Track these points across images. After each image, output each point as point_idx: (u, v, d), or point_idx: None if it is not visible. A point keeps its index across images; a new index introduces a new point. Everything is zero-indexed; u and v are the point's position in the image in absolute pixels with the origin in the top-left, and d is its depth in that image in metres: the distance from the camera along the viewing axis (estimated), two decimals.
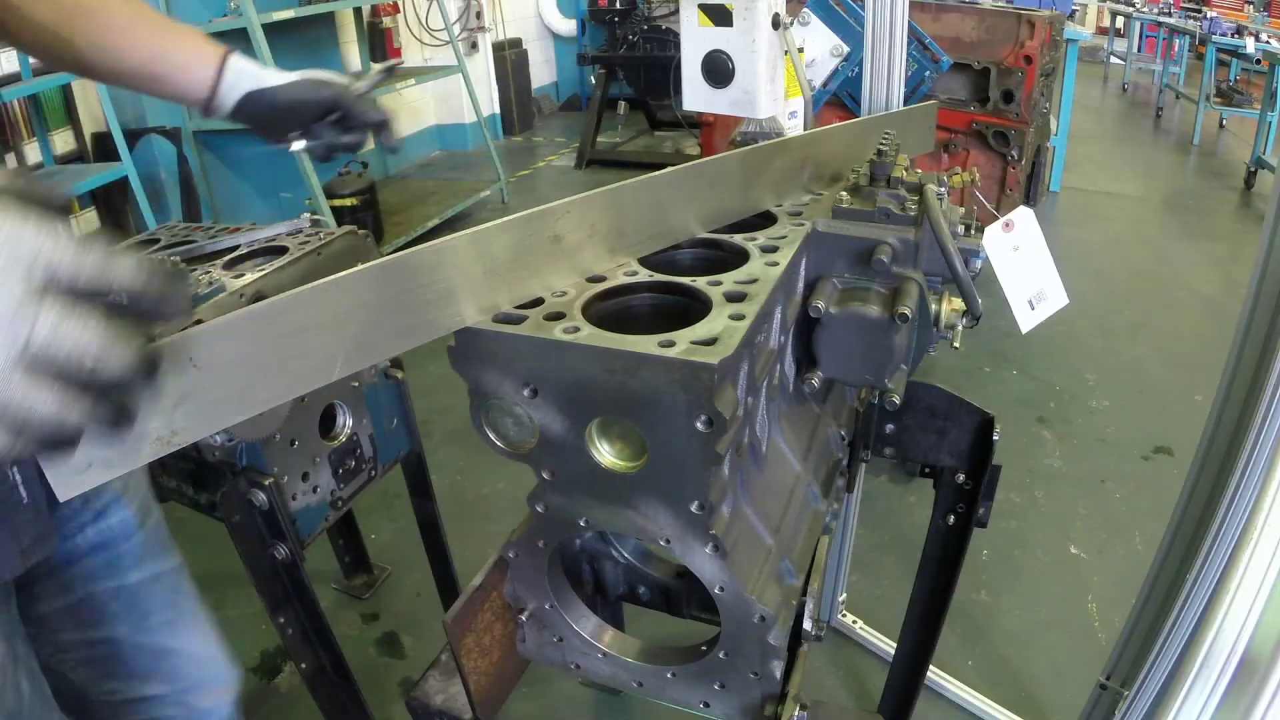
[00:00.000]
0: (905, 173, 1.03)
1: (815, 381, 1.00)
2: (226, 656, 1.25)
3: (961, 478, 1.28)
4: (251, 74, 1.07)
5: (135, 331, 0.41)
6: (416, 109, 7.03)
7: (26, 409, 0.39)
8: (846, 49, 2.80)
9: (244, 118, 1.09)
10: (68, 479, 0.54)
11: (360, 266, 0.70)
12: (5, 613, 0.92)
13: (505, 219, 0.78)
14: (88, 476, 0.55)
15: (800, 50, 1.98)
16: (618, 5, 7.91)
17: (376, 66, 1.25)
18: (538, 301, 0.82)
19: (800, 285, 1.01)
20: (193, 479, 1.61)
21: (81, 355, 0.39)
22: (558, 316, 0.78)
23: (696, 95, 1.94)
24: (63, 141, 4.06)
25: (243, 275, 1.48)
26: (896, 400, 0.97)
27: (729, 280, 0.85)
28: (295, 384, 0.68)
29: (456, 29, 6.50)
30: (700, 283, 0.85)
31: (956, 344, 1.05)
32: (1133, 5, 9.53)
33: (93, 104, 4.03)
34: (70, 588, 1.04)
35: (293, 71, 1.11)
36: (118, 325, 0.40)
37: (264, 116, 1.09)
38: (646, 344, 0.72)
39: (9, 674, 0.90)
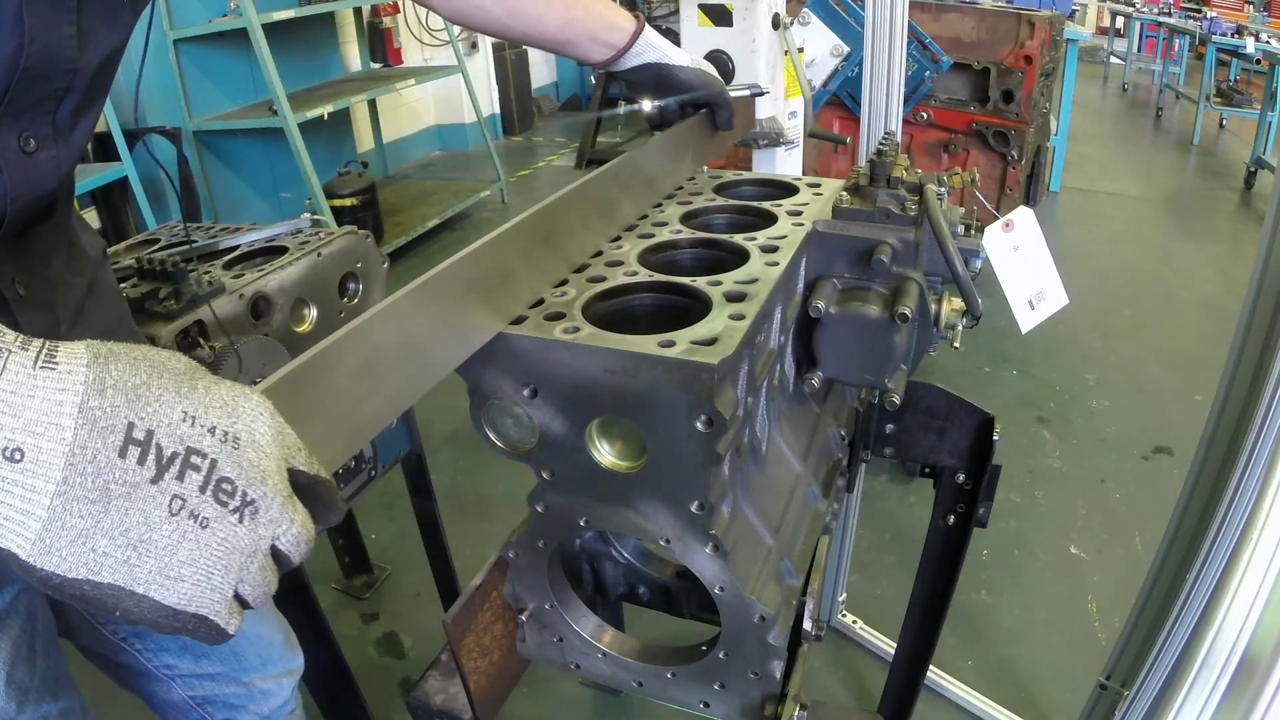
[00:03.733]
0: (905, 173, 1.03)
1: (815, 381, 1.00)
2: (289, 640, 1.29)
3: (961, 478, 1.28)
4: (657, 47, 1.21)
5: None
6: (416, 109, 7.03)
7: (265, 586, 0.45)
8: (846, 49, 2.80)
9: (629, 77, 1.22)
10: None
11: (403, 290, 0.64)
12: (28, 587, 0.92)
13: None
14: None
15: (800, 50, 1.98)
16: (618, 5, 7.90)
17: (742, 84, 1.38)
18: (539, 301, 0.82)
19: (800, 285, 1.01)
20: None
21: (305, 546, 0.46)
22: (558, 316, 0.78)
23: None
24: None
25: (243, 275, 1.48)
26: (896, 400, 0.97)
27: (729, 280, 0.85)
28: (371, 423, 0.61)
29: (456, 29, 6.50)
30: (700, 283, 0.85)
31: (956, 344, 1.05)
32: (1133, 5, 9.53)
33: None
34: None
35: (683, 54, 1.24)
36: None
37: (649, 84, 1.21)
38: (646, 344, 0.72)
39: (21, 649, 0.91)
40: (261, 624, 1.23)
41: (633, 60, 1.20)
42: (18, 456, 0.36)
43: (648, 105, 1.23)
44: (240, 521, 0.41)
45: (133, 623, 0.42)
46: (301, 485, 0.46)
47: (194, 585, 0.40)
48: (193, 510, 0.40)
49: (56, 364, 0.38)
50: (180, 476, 0.39)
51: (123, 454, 0.38)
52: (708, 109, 1.25)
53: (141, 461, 0.39)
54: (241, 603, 0.43)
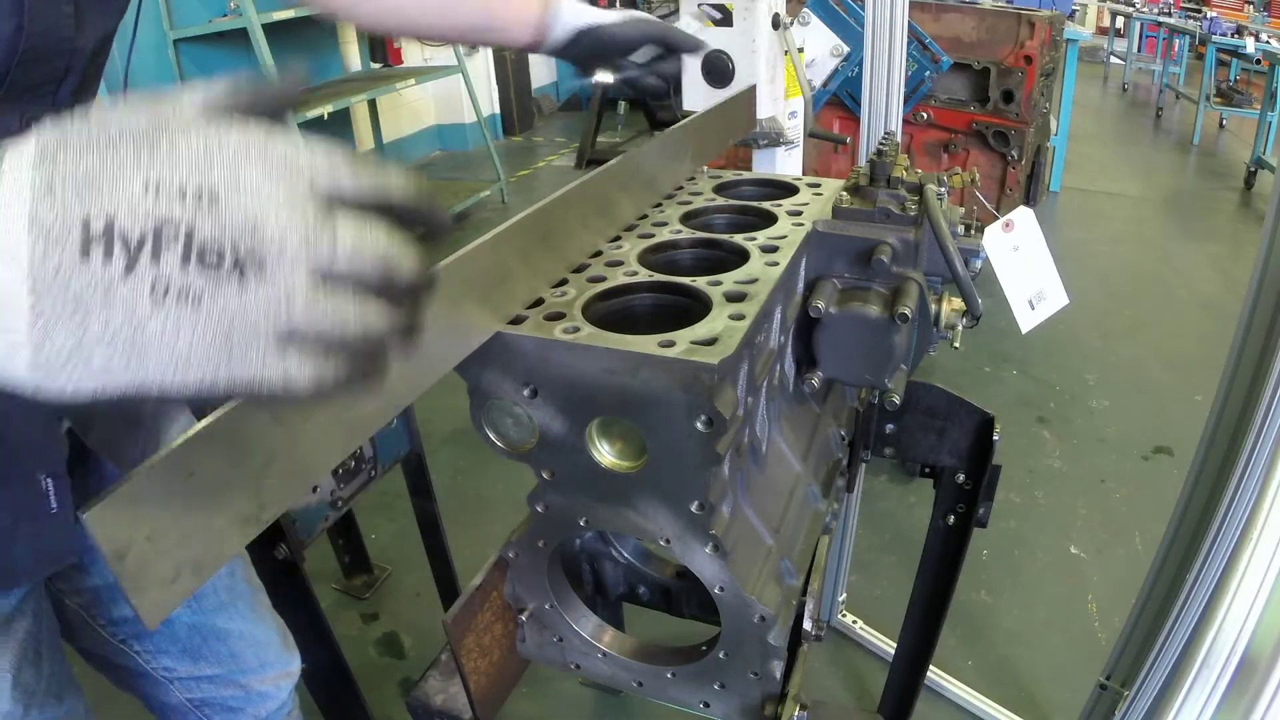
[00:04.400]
0: (905, 173, 1.03)
1: (815, 381, 1.00)
2: (285, 643, 1.28)
3: (961, 478, 1.28)
4: (579, 11, 1.15)
5: (413, 242, 0.41)
6: (416, 109, 7.03)
7: (338, 326, 0.38)
8: (846, 49, 2.80)
9: (570, 54, 1.16)
10: (158, 598, 0.46)
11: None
12: (34, 590, 0.93)
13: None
14: (177, 588, 0.47)
15: (800, 50, 1.98)
16: (617, 5, 7.91)
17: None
18: (538, 301, 0.82)
19: (800, 285, 1.01)
20: None
21: (379, 265, 0.39)
22: (558, 316, 0.78)
23: (696, 95, 1.94)
24: None
25: None
26: (896, 400, 0.97)
27: (729, 280, 0.85)
28: (369, 421, 0.61)
29: None
30: (700, 283, 0.85)
31: (956, 344, 1.05)
32: (1133, 5, 9.53)
33: None
34: None
35: (613, 13, 1.19)
36: (401, 235, 0.40)
37: (589, 52, 1.16)
38: (646, 344, 0.72)
39: (28, 651, 0.91)
40: (259, 626, 1.23)
41: (562, 33, 1.13)
42: None
43: (606, 77, 1.19)
44: (242, 281, 0.36)
45: (162, 398, 0.37)
46: (369, 204, 0.40)
47: (211, 366, 0.36)
48: (179, 290, 0.35)
49: (1, 176, 0.35)
50: (155, 257, 0.35)
51: (85, 254, 0.34)
52: (666, 52, 1.17)
53: (108, 256, 0.34)
54: (304, 341, 0.38)
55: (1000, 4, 4.04)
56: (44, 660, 0.94)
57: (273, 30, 4.22)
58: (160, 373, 0.36)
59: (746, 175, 1.24)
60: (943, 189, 1.03)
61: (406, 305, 0.40)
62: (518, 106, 8.00)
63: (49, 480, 0.85)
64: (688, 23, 1.23)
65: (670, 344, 0.72)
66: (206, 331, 0.36)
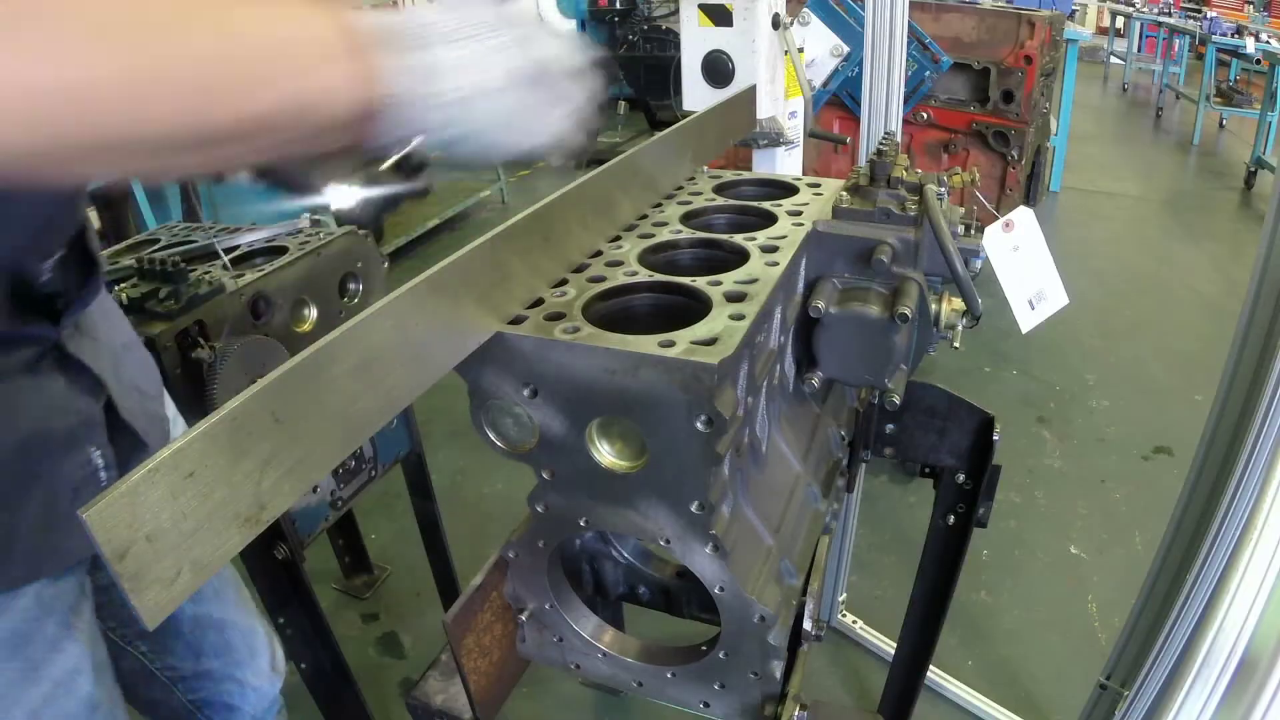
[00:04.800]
0: (905, 173, 1.03)
1: (815, 381, 1.00)
2: (269, 632, 1.32)
3: (961, 478, 1.28)
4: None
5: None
6: (597, 75, 7.00)
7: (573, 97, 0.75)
8: (846, 49, 2.80)
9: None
10: (158, 598, 0.47)
11: (404, 287, 0.63)
12: (88, 612, 0.95)
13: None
14: (177, 588, 0.48)
15: (800, 50, 1.98)
16: (618, 5, 7.91)
17: None
18: (538, 301, 0.82)
19: (800, 285, 1.01)
20: None
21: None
22: (558, 316, 0.78)
23: (696, 95, 1.94)
24: None
25: (242, 275, 1.48)
26: (896, 400, 0.97)
27: (729, 280, 0.85)
28: (369, 421, 0.61)
29: None
30: (700, 283, 0.85)
31: (956, 344, 1.05)
32: (1133, 5, 9.53)
33: None
34: None
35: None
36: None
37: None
38: (646, 344, 0.72)
39: (97, 637, 0.94)
40: (247, 614, 1.25)
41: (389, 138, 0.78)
42: (500, 91, 0.68)
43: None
44: (579, 88, 0.77)
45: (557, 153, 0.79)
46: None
47: (568, 127, 0.77)
48: (563, 95, 0.75)
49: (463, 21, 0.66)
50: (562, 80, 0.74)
51: (538, 79, 0.71)
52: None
53: (547, 84, 0.73)
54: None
55: (1000, 4, 4.04)
56: (114, 689, 0.98)
57: None
58: (549, 131, 0.74)
59: (746, 175, 1.24)
60: (943, 189, 1.03)
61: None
62: None
63: (97, 452, 0.89)
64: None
65: (670, 344, 0.72)
66: (570, 107, 0.74)
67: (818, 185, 1.17)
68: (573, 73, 0.74)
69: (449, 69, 0.63)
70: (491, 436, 0.83)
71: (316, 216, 1.72)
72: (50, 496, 0.85)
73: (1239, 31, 6.83)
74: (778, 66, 1.91)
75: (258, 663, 1.25)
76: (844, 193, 1.04)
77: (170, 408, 1.14)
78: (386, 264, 1.79)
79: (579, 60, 0.75)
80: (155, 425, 1.04)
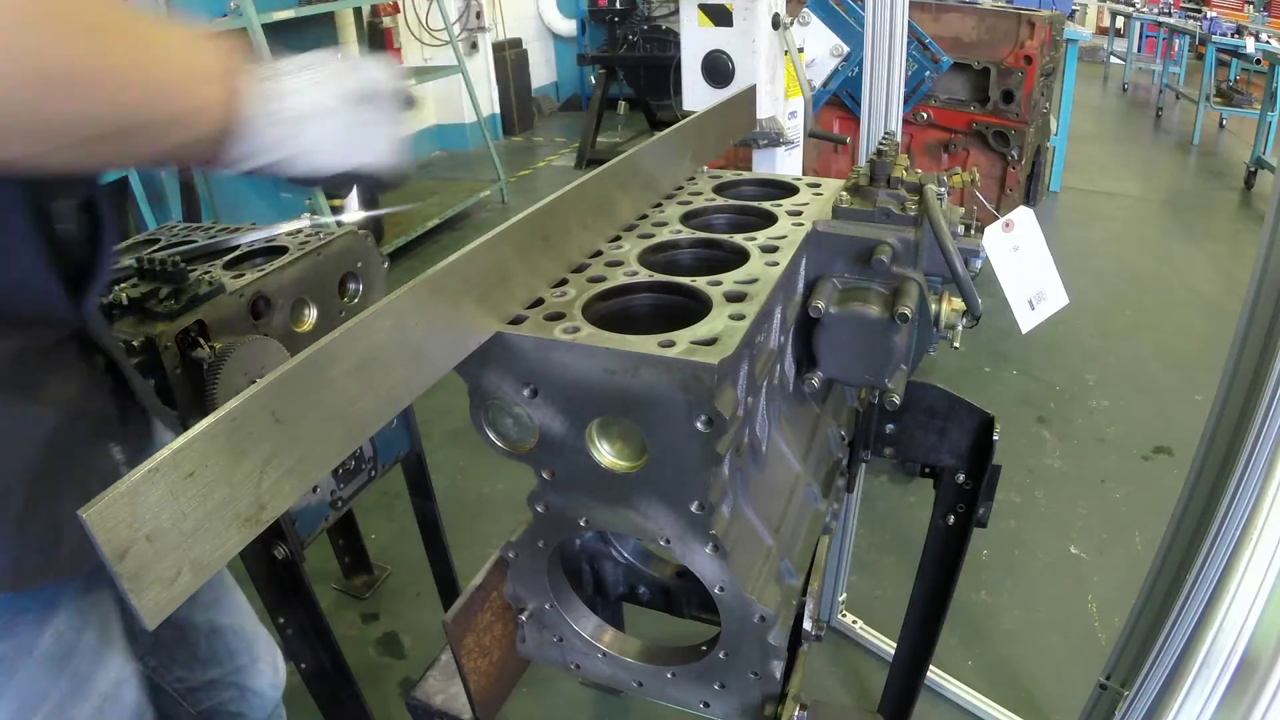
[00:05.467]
0: (905, 173, 1.03)
1: (815, 381, 1.00)
2: (268, 635, 1.31)
3: (961, 478, 1.28)
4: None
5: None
6: (416, 109, 7.02)
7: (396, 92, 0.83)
8: (846, 49, 2.80)
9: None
10: (158, 598, 0.47)
11: (406, 285, 0.64)
12: (121, 622, 0.95)
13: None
14: (177, 588, 0.48)
15: (800, 50, 1.98)
16: (618, 5, 7.91)
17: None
18: (538, 301, 0.82)
19: (800, 285, 1.01)
20: None
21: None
22: (558, 316, 0.78)
23: (696, 95, 1.94)
24: None
25: (243, 275, 1.48)
26: (896, 400, 0.97)
27: (729, 280, 0.85)
28: (369, 421, 0.61)
29: (456, 29, 6.50)
30: (700, 283, 0.85)
31: (956, 344, 1.05)
32: (1133, 5, 9.53)
33: None
34: None
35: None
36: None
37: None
38: (646, 344, 0.72)
39: (145, 691, 0.96)
40: (247, 619, 1.25)
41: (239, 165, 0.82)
42: (325, 115, 0.77)
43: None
44: (406, 112, 0.85)
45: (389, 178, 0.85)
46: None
47: (398, 150, 0.85)
48: (394, 118, 0.82)
49: (323, 74, 0.77)
50: (388, 103, 0.82)
51: (362, 104, 0.79)
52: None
53: (368, 106, 0.80)
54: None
55: (1000, 4, 4.04)
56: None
57: (273, 30, 4.22)
58: (378, 154, 0.81)
59: (746, 175, 1.24)
60: (943, 189, 1.03)
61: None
62: (518, 106, 8.01)
63: (117, 448, 0.89)
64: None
65: (670, 344, 0.72)
66: (398, 133, 0.81)
67: (818, 185, 1.17)
68: (398, 98, 0.83)
69: (289, 91, 0.74)
70: (491, 436, 0.83)
71: (317, 216, 1.72)
72: (84, 491, 0.84)
73: (1239, 31, 6.82)
74: (778, 66, 1.91)
75: (259, 668, 1.25)
76: (844, 193, 1.04)
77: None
78: (386, 264, 1.79)
79: (401, 88, 0.83)
80: (166, 413, 1.05)
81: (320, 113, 0.75)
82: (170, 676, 1.15)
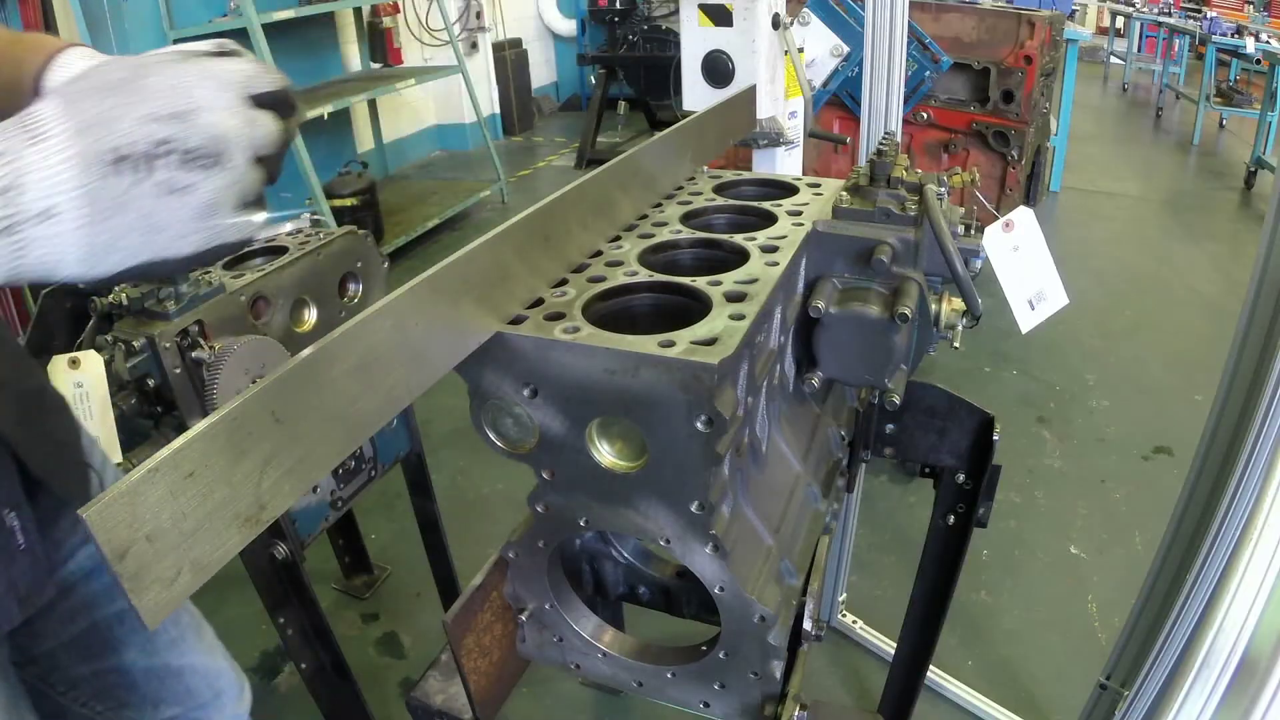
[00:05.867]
0: (905, 173, 1.03)
1: (815, 381, 1.00)
2: (234, 667, 1.24)
3: (961, 478, 1.28)
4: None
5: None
6: (416, 109, 7.03)
7: (261, 184, 0.59)
8: (846, 49, 2.80)
9: None
10: (158, 598, 0.47)
11: (404, 287, 0.64)
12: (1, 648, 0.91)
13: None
14: (177, 588, 0.48)
15: (800, 50, 1.98)
16: (618, 5, 7.91)
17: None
18: (538, 301, 0.82)
19: (800, 285, 1.01)
20: None
21: (278, 139, 0.60)
22: (558, 316, 0.78)
23: (696, 95, 1.94)
24: None
25: (242, 275, 1.48)
26: (896, 400, 0.97)
27: (729, 280, 0.85)
28: (369, 421, 0.61)
29: (456, 29, 6.50)
30: (700, 283, 0.85)
31: (956, 344, 1.05)
32: (1133, 5, 9.52)
33: None
34: (72, 619, 1.02)
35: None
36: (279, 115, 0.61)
37: None
38: (646, 344, 0.72)
39: (10, 713, 0.89)
40: (210, 656, 1.20)
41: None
42: (53, 213, 0.48)
43: None
44: (214, 171, 0.52)
45: (184, 270, 0.59)
46: (265, 102, 0.57)
47: (201, 227, 0.52)
48: (176, 184, 0.51)
49: (47, 135, 0.48)
50: (158, 166, 0.50)
51: (117, 172, 0.49)
52: None
53: (134, 170, 0.49)
54: (251, 204, 0.57)
55: (1000, 4, 4.03)
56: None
57: (273, 30, 4.22)
58: (167, 246, 0.51)
59: (746, 175, 1.24)
60: (943, 189, 1.03)
61: (278, 158, 0.62)
62: (518, 106, 8.00)
63: (12, 514, 0.84)
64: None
65: (670, 344, 0.72)
66: (196, 209, 0.51)
67: (818, 185, 1.17)
68: (240, 140, 0.55)
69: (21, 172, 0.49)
70: (491, 436, 0.83)
71: (317, 216, 1.72)
72: None
73: (1239, 31, 6.82)
74: (778, 66, 1.91)
75: (221, 703, 1.20)
76: (844, 193, 1.04)
77: (98, 456, 1.06)
78: (386, 264, 1.79)
79: (221, 118, 0.54)
80: (77, 477, 0.97)
81: (70, 204, 0.49)
82: (120, 718, 1.11)
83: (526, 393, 0.78)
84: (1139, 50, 10.39)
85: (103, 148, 0.48)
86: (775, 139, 1.96)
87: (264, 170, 0.58)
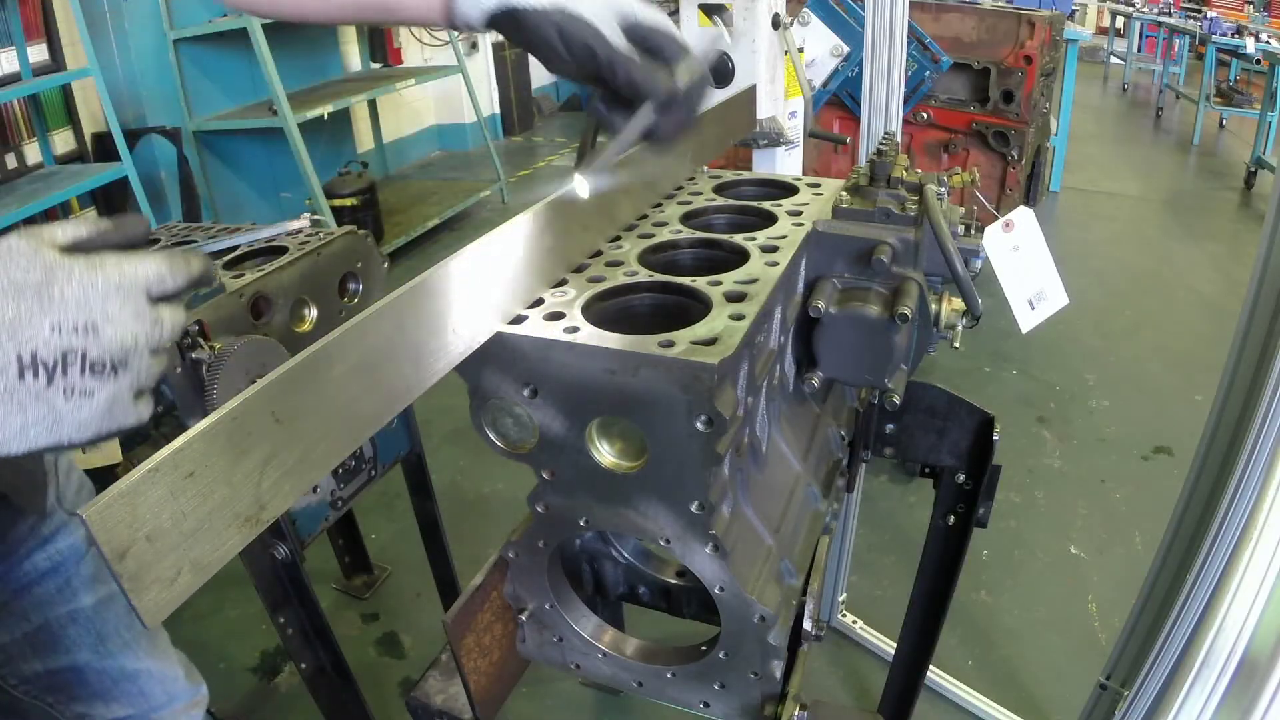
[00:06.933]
0: (905, 173, 1.03)
1: (815, 381, 1.00)
2: (190, 674, 1.27)
3: (961, 478, 1.28)
4: None
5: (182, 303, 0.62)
6: (416, 109, 7.03)
7: (159, 374, 0.58)
8: (846, 49, 2.80)
9: (507, 37, 0.86)
10: (158, 598, 0.47)
11: (404, 288, 0.64)
12: None
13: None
14: (177, 587, 0.48)
15: (800, 50, 1.98)
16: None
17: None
18: (538, 301, 0.82)
19: (800, 285, 1.01)
20: None
21: (178, 331, 0.59)
22: (558, 316, 0.78)
23: None
24: (63, 141, 4.05)
25: (243, 275, 1.48)
26: (896, 400, 0.97)
27: (729, 280, 0.85)
28: (369, 421, 0.62)
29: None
30: (700, 283, 0.85)
31: (956, 344, 1.05)
32: (1133, 5, 9.53)
33: (93, 104, 4.02)
34: (26, 617, 1.05)
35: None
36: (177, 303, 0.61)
37: (517, 42, 0.85)
38: (646, 344, 0.72)
39: None
40: (164, 661, 1.21)
41: (472, 10, 0.83)
42: None
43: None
44: (116, 377, 0.55)
45: (71, 449, 0.58)
46: (171, 297, 0.59)
47: (100, 422, 0.55)
48: (80, 389, 0.54)
49: None
50: (65, 373, 0.53)
51: (21, 377, 0.52)
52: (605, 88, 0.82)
53: (36, 376, 0.52)
54: (144, 392, 0.58)
55: (1000, 4, 4.04)
56: None
57: (273, 30, 4.22)
58: (69, 435, 0.54)
59: (746, 175, 1.24)
60: (943, 189, 1.03)
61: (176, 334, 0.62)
62: (518, 106, 8.00)
63: None
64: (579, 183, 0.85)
65: (670, 344, 0.72)
66: (97, 409, 0.54)
67: (818, 185, 1.17)
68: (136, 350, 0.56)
69: None
70: (491, 436, 0.83)
71: (317, 216, 1.72)
72: None
73: (1239, 31, 6.82)
74: (778, 66, 1.91)
75: (175, 707, 1.22)
76: (844, 193, 1.04)
77: (64, 463, 1.09)
78: (386, 264, 1.79)
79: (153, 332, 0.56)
80: (31, 489, 1.00)
81: None
82: (69, 712, 1.13)
83: (526, 393, 0.78)
84: (1139, 50, 10.39)
85: (10, 355, 0.51)
86: (775, 139, 1.96)
87: (163, 357, 0.59)
